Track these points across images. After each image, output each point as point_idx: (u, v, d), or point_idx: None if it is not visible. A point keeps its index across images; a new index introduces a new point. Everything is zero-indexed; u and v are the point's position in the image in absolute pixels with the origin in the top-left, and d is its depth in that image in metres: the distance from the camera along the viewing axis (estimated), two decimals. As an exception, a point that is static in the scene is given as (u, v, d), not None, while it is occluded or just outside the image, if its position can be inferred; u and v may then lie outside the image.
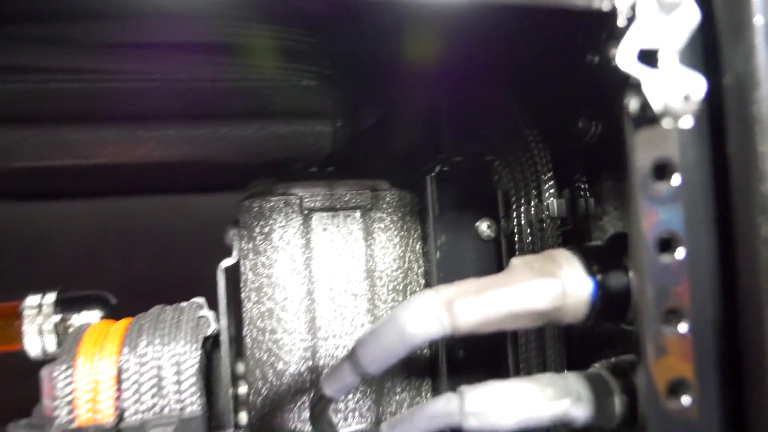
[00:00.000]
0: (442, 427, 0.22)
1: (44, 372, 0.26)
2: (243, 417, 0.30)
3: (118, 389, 0.25)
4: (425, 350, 0.32)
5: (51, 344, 0.36)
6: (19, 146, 0.33)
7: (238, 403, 0.31)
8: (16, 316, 0.35)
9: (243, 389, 0.31)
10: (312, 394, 0.28)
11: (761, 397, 0.18)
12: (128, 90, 0.27)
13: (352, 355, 0.22)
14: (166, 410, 0.25)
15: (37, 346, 0.35)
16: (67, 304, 0.36)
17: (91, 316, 0.37)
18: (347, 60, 0.31)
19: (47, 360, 0.37)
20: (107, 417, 0.25)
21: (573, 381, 0.22)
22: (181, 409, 0.25)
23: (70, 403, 0.25)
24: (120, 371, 0.25)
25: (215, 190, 0.47)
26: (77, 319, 0.36)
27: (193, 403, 0.25)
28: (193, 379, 0.26)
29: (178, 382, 0.25)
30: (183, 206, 0.60)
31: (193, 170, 0.35)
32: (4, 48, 0.30)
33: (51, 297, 0.36)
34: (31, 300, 0.36)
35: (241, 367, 0.31)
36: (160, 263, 0.57)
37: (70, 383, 0.25)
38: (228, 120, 0.29)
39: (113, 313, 0.38)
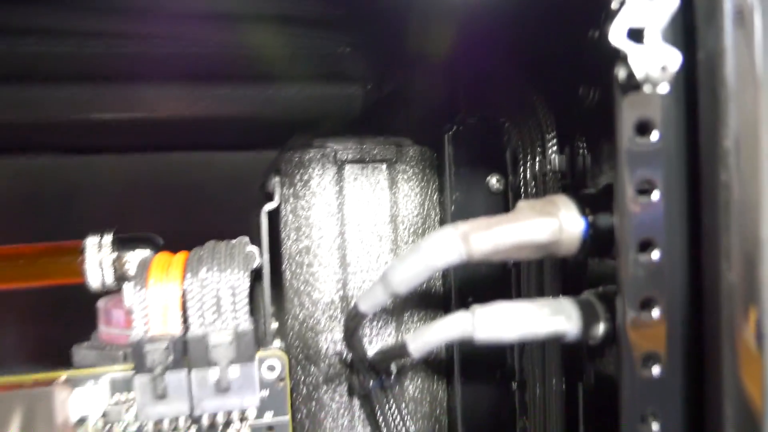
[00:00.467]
0: (456, 338, 0.27)
1: (125, 289, 0.31)
2: (276, 342, 0.35)
3: (184, 308, 0.30)
4: (440, 290, 0.37)
5: (109, 277, 0.40)
6: (83, 101, 0.38)
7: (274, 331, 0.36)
8: (80, 252, 0.40)
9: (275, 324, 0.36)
10: (344, 317, 0.33)
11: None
12: (190, 54, 0.31)
13: (384, 278, 0.26)
14: (224, 326, 0.30)
15: (98, 279, 0.40)
16: (121, 243, 0.41)
17: (143, 254, 0.42)
18: (376, 31, 0.35)
19: (105, 292, 0.43)
20: (175, 329, 0.30)
21: (566, 303, 0.27)
22: (236, 325, 0.30)
23: (145, 317, 0.30)
24: (185, 293, 0.30)
25: (254, 148, 0.52)
26: (131, 256, 0.41)
27: (246, 321, 0.30)
28: (245, 301, 0.31)
29: (233, 303, 0.30)
30: (221, 162, 0.65)
31: (238, 127, 0.39)
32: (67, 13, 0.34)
33: (108, 237, 0.41)
34: (92, 239, 0.40)
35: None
36: (202, 214, 0.62)
37: (144, 301, 0.30)
38: (272, 82, 0.33)
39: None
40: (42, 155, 0.64)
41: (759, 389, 0.22)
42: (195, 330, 0.30)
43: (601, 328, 0.26)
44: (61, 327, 0.41)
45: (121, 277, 0.41)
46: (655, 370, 0.24)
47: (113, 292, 0.42)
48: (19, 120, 0.41)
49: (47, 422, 0.28)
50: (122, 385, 0.30)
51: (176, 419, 0.30)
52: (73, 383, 0.30)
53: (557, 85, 0.32)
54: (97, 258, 0.40)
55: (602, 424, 0.29)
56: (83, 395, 0.30)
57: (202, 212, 0.64)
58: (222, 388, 0.29)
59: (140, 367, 0.29)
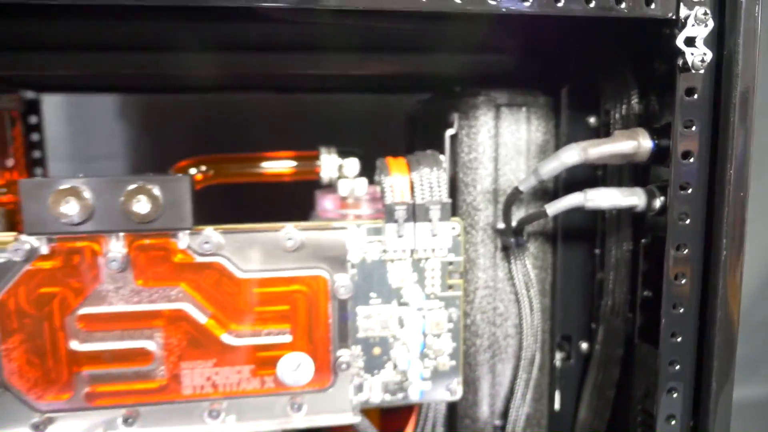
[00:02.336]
0: (575, 205, 0.48)
1: (340, 183, 0.53)
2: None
3: (411, 188, 0.52)
4: (551, 189, 0.58)
5: (334, 175, 0.63)
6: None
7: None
8: (317, 158, 0.63)
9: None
10: (505, 197, 0.54)
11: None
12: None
13: (536, 170, 0.48)
14: (433, 199, 0.52)
15: (328, 176, 0.63)
16: (340, 153, 0.63)
17: (353, 161, 0.64)
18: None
19: (329, 185, 0.65)
20: (407, 199, 0.52)
21: (638, 189, 0.48)
22: (440, 198, 0.52)
23: (392, 192, 0.52)
24: (411, 179, 0.52)
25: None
26: (347, 162, 0.63)
27: (445, 197, 0.52)
28: (446, 186, 0.52)
29: (438, 186, 0.52)
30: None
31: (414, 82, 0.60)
32: None
33: (333, 149, 0.63)
34: (324, 149, 0.63)
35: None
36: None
37: (391, 184, 0.52)
38: (446, 53, 0.54)
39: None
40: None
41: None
42: (419, 200, 0.52)
43: (658, 203, 0.47)
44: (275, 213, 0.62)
45: (340, 176, 0.63)
46: (687, 221, 0.45)
47: (327, 187, 0.65)
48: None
49: (341, 256, 0.51)
50: (373, 232, 0.53)
51: (405, 251, 0.52)
52: (344, 231, 0.53)
53: (641, 61, 0.51)
54: (328, 161, 0.63)
55: (654, 275, 0.50)
56: (351, 239, 0.53)
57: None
58: (433, 234, 0.52)
59: (390, 219, 0.51)
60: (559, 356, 0.60)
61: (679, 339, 0.46)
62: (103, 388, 0.49)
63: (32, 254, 0.47)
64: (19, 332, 0.47)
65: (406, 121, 0.77)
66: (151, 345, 0.49)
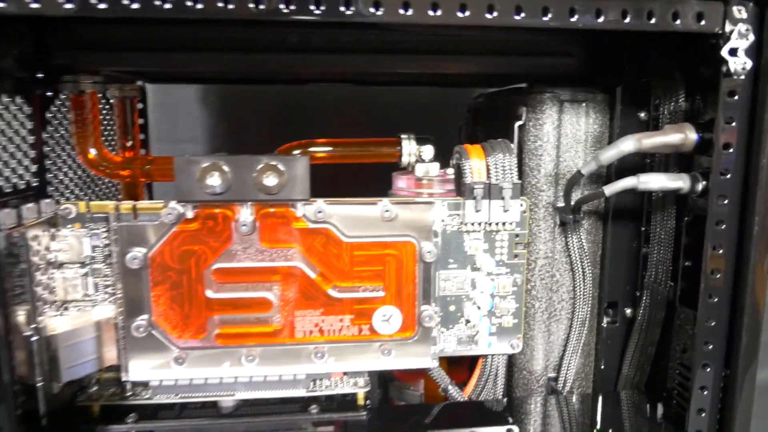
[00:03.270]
0: (629, 187, 0.57)
1: (417, 167, 0.63)
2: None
3: (487, 170, 0.62)
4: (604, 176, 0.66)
5: (412, 159, 0.72)
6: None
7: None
8: (398, 143, 0.72)
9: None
10: (568, 179, 0.63)
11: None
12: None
13: (596, 156, 0.57)
14: (505, 180, 0.61)
15: (407, 160, 0.72)
16: (417, 140, 0.73)
17: (428, 147, 0.73)
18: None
19: (407, 168, 0.75)
20: (484, 179, 0.61)
21: (683, 174, 0.56)
22: (512, 179, 0.61)
23: (471, 173, 0.61)
24: (487, 163, 0.62)
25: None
26: (424, 147, 0.73)
27: (515, 179, 0.61)
28: (516, 170, 0.62)
29: (510, 169, 0.62)
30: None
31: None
32: None
33: (412, 136, 0.73)
34: (405, 136, 0.72)
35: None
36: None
37: (471, 166, 0.62)
38: (510, 55, 0.64)
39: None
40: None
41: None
42: (493, 181, 0.61)
43: (700, 186, 0.55)
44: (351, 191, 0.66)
45: (417, 160, 0.73)
46: (725, 201, 0.53)
47: (402, 169, 0.74)
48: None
49: (428, 226, 0.61)
50: (453, 206, 0.63)
51: (480, 224, 0.62)
52: (431, 206, 0.62)
53: (687, 64, 0.60)
54: (408, 147, 0.72)
55: (694, 248, 0.58)
56: (436, 212, 0.62)
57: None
58: (504, 210, 0.61)
59: (469, 195, 0.61)
60: (606, 320, 0.69)
61: (715, 300, 0.55)
62: (230, 331, 0.60)
63: (179, 218, 0.57)
64: (165, 283, 0.58)
65: (468, 112, 0.86)
66: (270, 296, 0.60)
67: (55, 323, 0.56)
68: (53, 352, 0.55)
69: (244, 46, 0.67)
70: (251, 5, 0.46)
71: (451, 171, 0.69)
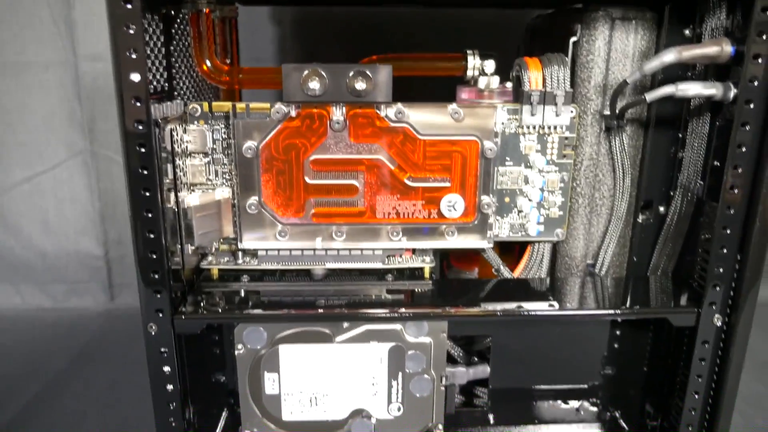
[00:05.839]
0: (667, 94, 0.65)
1: (481, 79, 0.73)
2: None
3: (543, 80, 0.71)
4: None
5: (476, 73, 0.82)
6: None
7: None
8: (464, 58, 0.82)
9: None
10: (614, 88, 0.73)
11: None
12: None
13: (640, 66, 0.66)
14: (558, 88, 0.71)
15: (471, 73, 0.82)
16: (480, 55, 0.82)
17: (490, 62, 0.83)
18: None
19: (470, 81, 0.84)
20: (540, 87, 0.71)
21: (715, 82, 0.65)
22: (565, 87, 0.71)
23: (529, 82, 0.71)
24: (543, 74, 0.71)
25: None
26: (486, 62, 0.82)
27: (568, 86, 0.71)
28: (569, 80, 0.71)
29: (564, 79, 0.71)
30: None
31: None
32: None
33: (476, 51, 0.82)
34: (469, 51, 0.82)
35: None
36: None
37: (529, 76, 0.71)
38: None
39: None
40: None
41: None
42: (548, 89, 0.71)
43: (732, 94, 0.64)
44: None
45: (480, 74, 0.82)
46: (752, 105, 0.62)
47: (466, 82, 0.84)
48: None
49: (489, 128, 0.71)
50: (512, 112, 0.73)
51: (534, 127, 0.72)
52: (493, 109, 0.73)
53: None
54: (472, 62, 0.82)
55: (722, 149, 0.67)
56: (497, 116, 0.73)
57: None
58: (557, 114, 0.71)
59: (526, 101, 0.71)
60: (641, 216, 0.80)
61: (735, 191, 0.64)
62: (323, 211, 0.73)
63: (284, 116, 0.70)
64: (272, 170, 0.71)
65: (526, 31, 0.94)
66: (356, 183, 0.72)
67: (188, 199, 0.70)
68: (189, 220, 0.69)
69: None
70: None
71: (509, 85, 0.78)
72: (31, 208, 1.31)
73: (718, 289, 0.68)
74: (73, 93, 1.23)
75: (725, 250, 0.66)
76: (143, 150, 0.60)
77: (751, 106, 0.61)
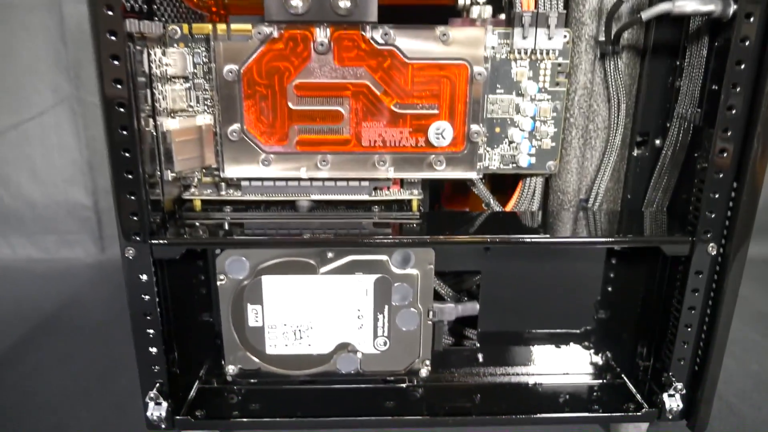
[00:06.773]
0: (664, 11, 0.63)
1: (473, 8, 0.70)
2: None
3: (536, 3, 0.68)
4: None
5: (468, 2, 0.79)
6: None
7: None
8: None
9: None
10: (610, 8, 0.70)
11: None
12: None
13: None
14: (553, 9, 0.68)
15: (462, 3, 0.79)
16: None
17: None
18: None
19: (462, 11, 0.82)
20: (533, 10, 0.68)
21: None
22: (558, 10, 0.68)
23: (521, 3, 0.68)
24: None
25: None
26: None
27: (563, 10, 0.68)
28: (562, 2, 0.68)
29: (557, 2, 0.68)
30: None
31: None
32: None
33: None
34: None
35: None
36: None
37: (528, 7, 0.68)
38: None
39: None
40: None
41: None
42: (541, 10, 0.68)
43: (731, 10, 0.61)
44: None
45: (472, 3, 0.79)
46: (751, 19, 0.59)
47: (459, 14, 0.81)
48: None
49: (479, 52, 0.69)
50: (503, 36, 0.70)
51: (526, 51, 0.70)
52: (482, 31, 0.70)
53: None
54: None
55: (719, 72, 0.64)
56: (487, 39, 0.70)
57: None
58: (549, 37, 0.68)
59: (517, 23, 0.68)
60: (636, 150, 0.77)
61: (733, 112, 0.62)
62: (307, 138, 0.71)
63: (267, 38, 0.67)
64: (255, 95, 0.69)
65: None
66: (341, 109, 0.70)
67: (168, 123, 0.68)
68: (168, 145, 0.67)
69: None
70: None
71: (503, 17, 0.76)
72: (18, 156, 1.29)
73: (713, 216, 0.66)
74: (57, 36, 1.20)
75: (721, 175, 0.64)
76: (116, 62, 0.58)
77: (752, 20, 0.59)
